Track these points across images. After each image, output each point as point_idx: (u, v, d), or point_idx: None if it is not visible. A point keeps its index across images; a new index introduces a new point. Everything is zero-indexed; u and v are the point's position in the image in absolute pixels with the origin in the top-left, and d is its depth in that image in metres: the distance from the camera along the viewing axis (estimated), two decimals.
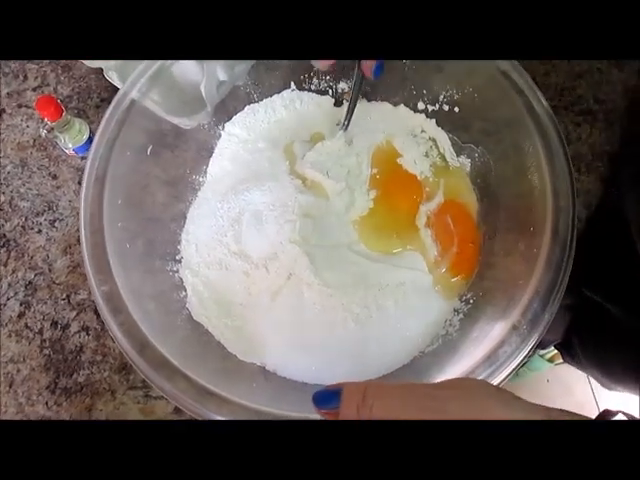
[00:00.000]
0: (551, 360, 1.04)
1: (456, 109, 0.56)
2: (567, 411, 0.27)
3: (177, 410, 0.54)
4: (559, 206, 0.43)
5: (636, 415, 0.27)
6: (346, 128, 0.55)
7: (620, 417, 0.28)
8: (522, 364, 0.39)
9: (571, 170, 0.44)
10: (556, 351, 0.96)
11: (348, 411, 0.29)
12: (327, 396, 0.30)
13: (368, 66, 0.44)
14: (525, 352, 0.39)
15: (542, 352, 1.02)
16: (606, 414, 0.28)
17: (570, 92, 0.65)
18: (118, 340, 0.41)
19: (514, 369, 0.39)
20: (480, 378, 0.38)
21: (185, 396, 0.38)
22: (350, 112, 0.53)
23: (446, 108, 0.56)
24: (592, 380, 1.10)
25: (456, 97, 0.55)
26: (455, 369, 0.41)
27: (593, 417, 0.27)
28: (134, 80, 0.49)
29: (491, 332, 0.42)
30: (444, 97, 0.56)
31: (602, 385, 0.78)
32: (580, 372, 0.87)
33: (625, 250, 0.56)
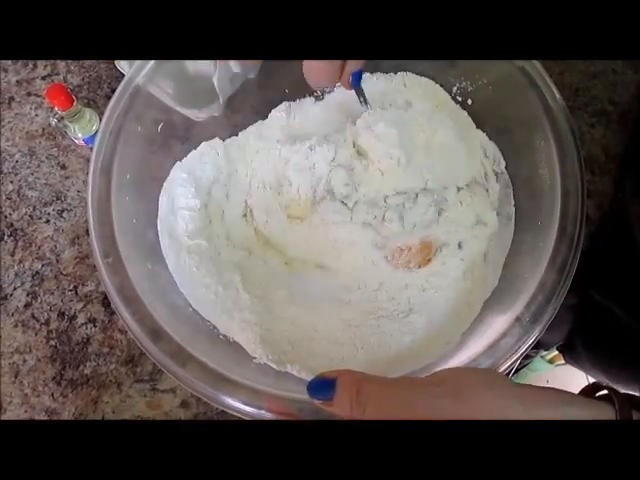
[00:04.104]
0: (551, 361, 1.05)
1: (470, 102, 0.55)
2: (560, 390, 0.27)
3: (184, 404, 0.54)
4: (568, 203, 0.43)
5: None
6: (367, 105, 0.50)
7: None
8: (523, 356, 0.39)
9: (582, 169, 0.44)
10: (556, 352, 0.96)
11: (341, 404, 0.29)
12: (322, 386, 0.30)
13: (346, 79, 0.43)
14: (527, 344, 0.39)
15: (544, 353, 1.03)
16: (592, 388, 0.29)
17: (585, 93, 0.65)
18: (131, 329, 0.40)
19: (515, 361, 0.39)
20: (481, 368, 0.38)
21: (200, 382, 0.38)
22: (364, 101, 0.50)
23: (460, 99, 0.56)
24: (591, 381, 1.11)
25: (470, 91, 0.54)
26: (457, 359, 0.41)
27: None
28: (140, 67, 0.48)
29: (494, 324, 0.42)
30: (457, 89, 0.55)
31: None
32: (579, 373, 0.87)
33: (630, 253, 0.56)
